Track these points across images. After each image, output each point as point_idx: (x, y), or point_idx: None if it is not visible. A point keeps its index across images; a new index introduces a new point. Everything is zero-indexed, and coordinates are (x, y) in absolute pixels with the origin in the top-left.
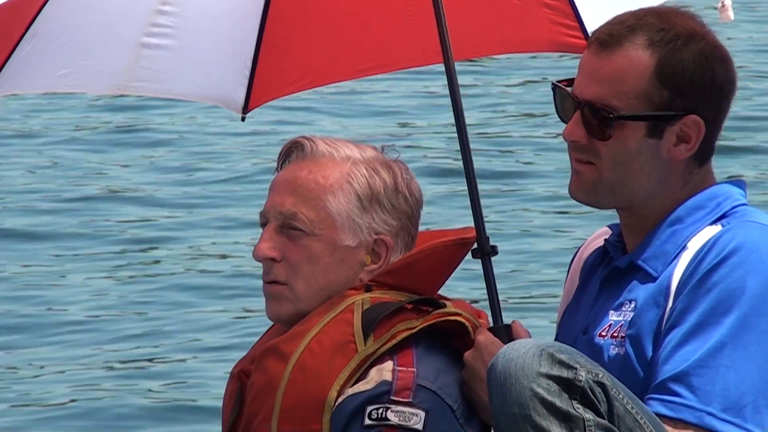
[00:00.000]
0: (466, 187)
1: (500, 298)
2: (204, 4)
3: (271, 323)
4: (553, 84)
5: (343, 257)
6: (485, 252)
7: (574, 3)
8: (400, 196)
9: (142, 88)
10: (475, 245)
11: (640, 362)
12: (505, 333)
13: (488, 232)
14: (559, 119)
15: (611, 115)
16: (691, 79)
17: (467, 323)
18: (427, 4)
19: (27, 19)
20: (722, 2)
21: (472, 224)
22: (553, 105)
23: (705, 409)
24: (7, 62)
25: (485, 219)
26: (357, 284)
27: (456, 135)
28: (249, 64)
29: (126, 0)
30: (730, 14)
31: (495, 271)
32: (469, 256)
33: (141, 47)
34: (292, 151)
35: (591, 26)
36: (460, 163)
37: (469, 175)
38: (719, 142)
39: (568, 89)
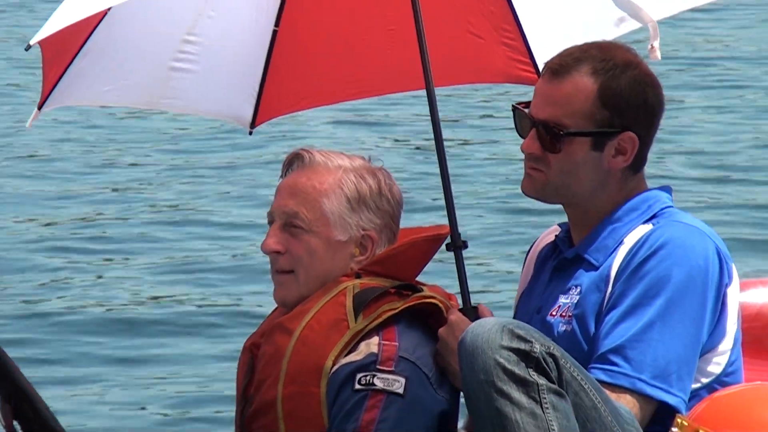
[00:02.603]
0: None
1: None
2: (221, 36)
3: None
4: (513, 106)
5: (336, 250)
6: (457, 246)
7: (527, 42)
8: (383, 199)
9: (170, 104)
10: (449, 239)
11: (584, 337)
12: (473, 313)
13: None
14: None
15: (562, 132)
16: (628, 101)
17: (441, 305)
18: (407, 38)
19: (80, 41)
20: (651, 45)
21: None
22: (513, 123)
23: (638, 376)
24: (62, 78)
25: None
26: (348, 272)
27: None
28: (257, 87)
29: (160, 29)
30: (658, 54)
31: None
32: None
33: (170, 70)
34: (293, 161)
35: (541, 61)
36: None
37: (445, 180)
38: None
39: (526, 110)
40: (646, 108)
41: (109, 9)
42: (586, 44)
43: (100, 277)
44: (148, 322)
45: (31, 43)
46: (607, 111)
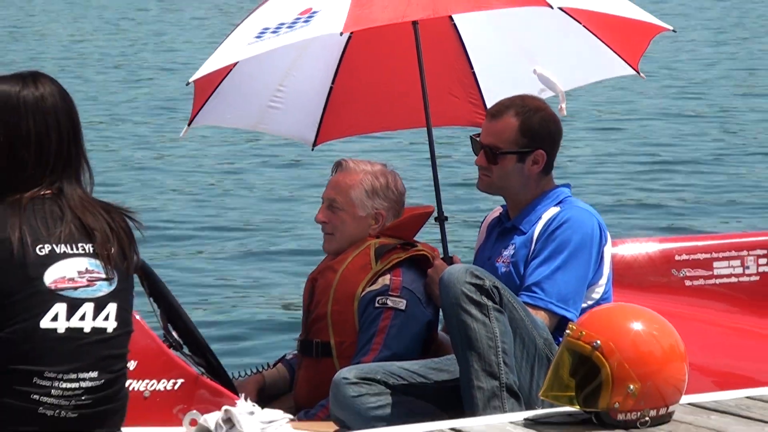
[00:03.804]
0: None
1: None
2: (299, 87)
3: (325, 255)
4: (470, 136)
5: (359, 221)
6: (441, 218)
7: (484, 101)
8: (390, 191)
9: (265, 128)
10: (435, 214)
11: (517, 275)
12: (449, 261)
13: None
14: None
15: (498, 152)
16: (539, 131)
17: (429, 255)
18: (414, 94)
19: (215, 84)
20: (561, 106)
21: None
22: (471, 147)
23: (549, 300)
24: (203, 107)
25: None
26: (371, 234)
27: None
28: (318, 119)
29: (263, 81)
30: (565, 112)
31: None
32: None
33: (267, 107)
34: (337, 166)
35: None
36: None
37: (434, 171)
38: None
39: (478, 139)
40: (550, 135)
41: (232, 68)
42: (513, 96)
43: None
44: None
45: (190, 81)
46: (525, 138)
